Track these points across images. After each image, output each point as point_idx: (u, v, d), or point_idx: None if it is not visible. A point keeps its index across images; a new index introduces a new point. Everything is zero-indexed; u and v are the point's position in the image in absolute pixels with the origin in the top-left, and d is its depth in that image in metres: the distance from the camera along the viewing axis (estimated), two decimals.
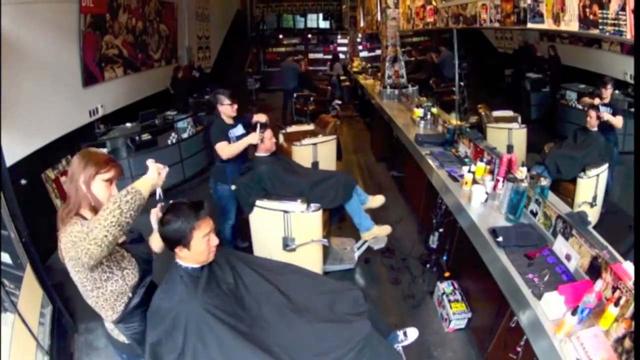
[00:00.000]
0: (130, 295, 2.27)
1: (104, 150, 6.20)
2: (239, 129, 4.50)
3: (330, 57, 17.34)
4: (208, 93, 9.84)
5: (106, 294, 2.14)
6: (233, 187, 4.22)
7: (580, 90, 6.25)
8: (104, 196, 2.19)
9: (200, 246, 2.35)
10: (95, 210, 2.16)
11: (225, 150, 4.26)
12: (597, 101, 4.55)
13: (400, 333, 3.26)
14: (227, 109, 4.36)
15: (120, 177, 2.26)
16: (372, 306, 2.83)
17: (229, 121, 4.45)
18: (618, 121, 4.33)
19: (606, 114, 4.34)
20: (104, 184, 2.19)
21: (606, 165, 4.08)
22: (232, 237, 4.89)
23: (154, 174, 2.16)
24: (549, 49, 7.55)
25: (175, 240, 2.31)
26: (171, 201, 2.40)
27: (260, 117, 4.54)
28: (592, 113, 4.36)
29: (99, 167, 2.16)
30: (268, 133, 4.32)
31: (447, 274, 4.29)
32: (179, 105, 8.58)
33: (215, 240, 2.44)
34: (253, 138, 4.26)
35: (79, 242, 1.86)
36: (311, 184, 4.24)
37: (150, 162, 2.18)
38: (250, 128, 4.48)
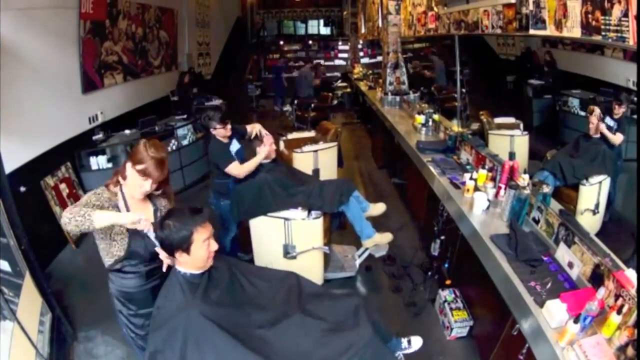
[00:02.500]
0: (113, 260, 2.61)
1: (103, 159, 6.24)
2: (235, 145, 4.49)
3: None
4: (208, 100, 9.83)
5: (100, 246, 2.61)
6: None
7: (582, 97, 6.24)
8: (133, 182, 2.55)
9: (200, 251, 2.36)
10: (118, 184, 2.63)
11: (241, 171, 4.25)
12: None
13: (404, 340, 3.25)
14: (220, 132, 4.33)
15: (155, 177, 2.56)
16: (372, 312, 2.82)
17: (225, 140, 4.42)
18: (616, 139, 4.29)
19: (604, 128, 4.30)
20: (135, 174, 2.52)
21: None
22: (233, 250, 4.86)
23: (126, 219, 2.42)
24: (545, 54, 7.55)
25: (175, 245, 2.31)
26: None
27: (254, 127, 4.50)
28: (594, 120, 4.34)
29: (132, 160, 2.52)
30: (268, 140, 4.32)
31: (448, 282, 4.27)
32: (181, 111, 8.59)
33: (214, 246, 2.45)
34: (264, 152, 4.27)
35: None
36: (311, 189, 4.23)
37: (137, 215, 2.43)
38: (246, 140, 4.48)
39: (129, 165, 2.52)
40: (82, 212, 2.31)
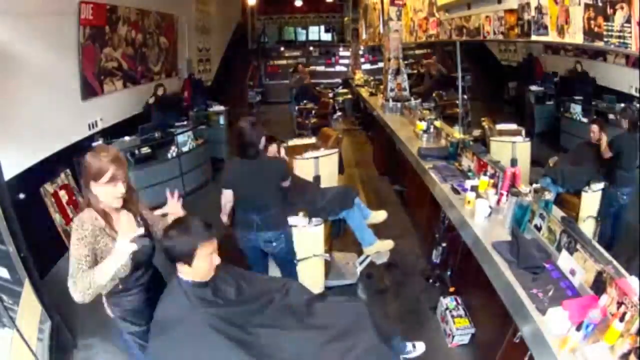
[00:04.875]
0: (117, 282, 2.41)
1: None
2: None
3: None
4: (209, 106, 9.80)
5: None
6: None
7: (584, 104, 6.25)
8: (107, 197, 2.32)
9: (203, 264, 2.34)
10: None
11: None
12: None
13: (409, 344, 3.25)
14: None
15: (122, 176, 2.32)
16: (374, 316, 2.80)
17: None
18: None
19: None
20: (102, 188, 2.28)
21: None
22: None
23: (123, 253, 2.18)
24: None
25: (177, 256, 2.29)
26: None
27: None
28: (595, 128, 4.32)
29: (92, 177, 2.27)
30: (273, 148, 4.28)
31: (452, 289, 4.24)
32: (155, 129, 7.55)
33: (217, 260, 2.43)
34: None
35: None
36: (313, 196, 4.22)
37: (130, 246, 2.20)
38: None
39: (92, 186, 2.30)
40: (87, 281, 2.11)
